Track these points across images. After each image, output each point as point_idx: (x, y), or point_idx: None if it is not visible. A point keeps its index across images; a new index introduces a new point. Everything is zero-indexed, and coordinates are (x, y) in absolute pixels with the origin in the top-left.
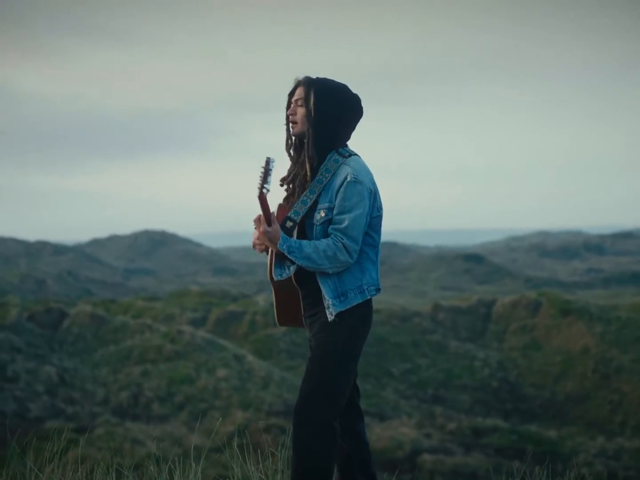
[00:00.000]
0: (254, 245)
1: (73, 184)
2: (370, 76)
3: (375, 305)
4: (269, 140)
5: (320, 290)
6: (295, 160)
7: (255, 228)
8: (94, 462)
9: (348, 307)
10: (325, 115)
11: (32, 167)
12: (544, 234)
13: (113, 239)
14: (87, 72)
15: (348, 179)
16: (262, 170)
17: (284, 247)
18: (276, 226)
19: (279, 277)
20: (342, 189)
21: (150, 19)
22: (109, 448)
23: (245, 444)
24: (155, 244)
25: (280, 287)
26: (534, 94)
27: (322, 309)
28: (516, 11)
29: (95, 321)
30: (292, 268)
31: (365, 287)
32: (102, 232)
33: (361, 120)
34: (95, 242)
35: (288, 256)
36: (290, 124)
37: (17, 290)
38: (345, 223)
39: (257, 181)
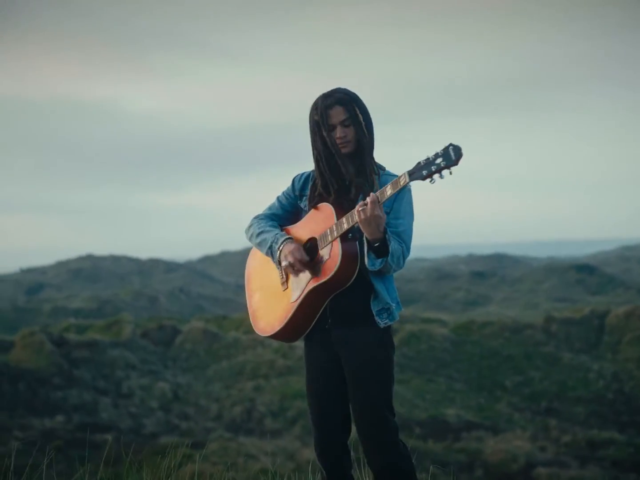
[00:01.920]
0: (293, 266)
1: (184, 200)
2: (472, 86)
3: (487, 318)
4: (389, 151)
5: (366, 296)
6: (334, 176)
7: (361, 210)
8: (211, 478)
9: (397, 315)
10: (371, 124)
11: (143, 185)
12: None
13: (224, 255)
14: (198, 89)
15: (408, 186)
16: (433, 157)
17: (387, 235)
18: (384, 213)
19: (372, 267)
20: (401, 194)
21: (260, 34)
22: (223, 463)
23: (358, 458)
24: None
25: (318, 292)
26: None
27: (368, 317)
28: (602, 18)
29: (208, 337)
30: (379, 262)
31: (399, 300)
32: (213, 249)
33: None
34: (207, 259)
35: (390, 246)
36: (341, 146)
37: (130, 308)
38: (402, 228)
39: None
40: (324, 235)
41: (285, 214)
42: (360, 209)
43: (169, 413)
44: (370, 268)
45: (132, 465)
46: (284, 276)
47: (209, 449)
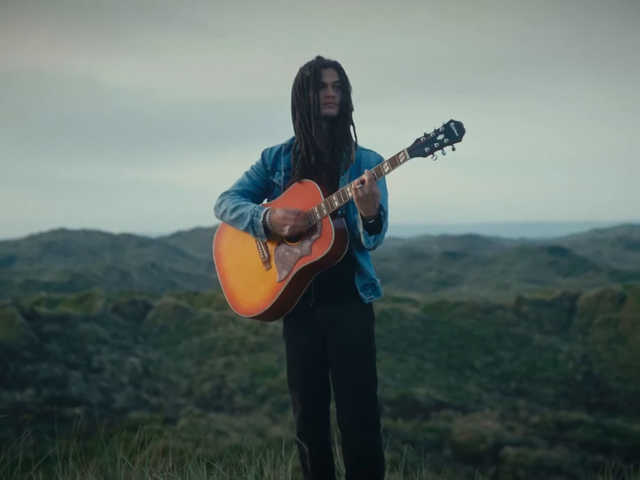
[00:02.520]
0: (294, 227)
1: (158, 176)
2: (453, 66)
3: (458, 298)
4: (365, 132)
5: (350, 273)
6: (322, 143)
7: (358, 187)
8: (182, 453)
9: (381, 290)
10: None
11: (117, 160)
12: (630, 227)
13: (197, 231)
14: (173, 64)
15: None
16: (431, 135)
17: (382, 211)
18: (379, 190)
19: (368, 245)
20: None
21: (239, 9)
22: (193, 439)
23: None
24: None
25: (307, 271)
26: (620, 84)
27: (353, 293)
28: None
29: (179, 313)
30: (373, 238)
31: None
32: (186, 225)
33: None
34: (179, 235)
35: (383, 223)
36: (327, 105)
37: (102, 282)
38: (381, 203)
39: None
40: (312, 213)
41: (256, 190)
42: (357, 186)
43: (139, 388)
44: (366, 246)
45: (105, 440)
46: (265, 254)
47: (179, 425)
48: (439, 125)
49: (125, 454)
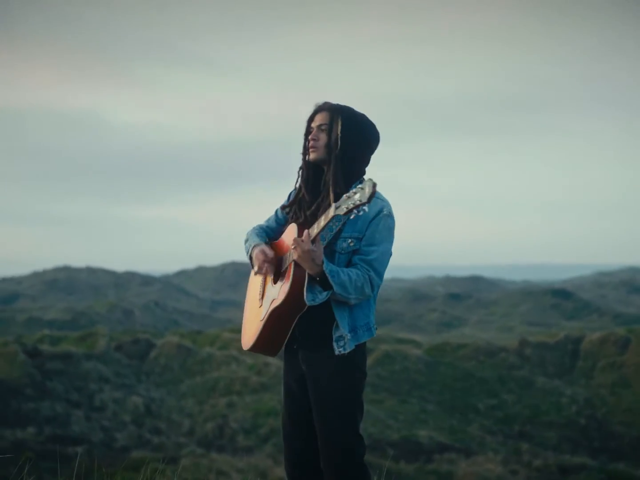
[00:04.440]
0: (260, 267)
1: (161, 213)
2: (458, 106)
3: (462, 340)
4: (374, 172)
5: (330, 322)
6: (308, 188)
7: (294, 248)
8: None
9: (358, 343)
10: (351, 144)
11: (122, 198)
12: (634, 270)
13: (200, 270)
14: (181, 102)
15: (384, 212)
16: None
17: (327, 269)
18: (320, 247)
19: (312, 302)
20: (375, 221)
21: (248, 48)
22: (194, 479)
23: None
24: (242, 275)
25: (278, 314)
26: (624, 125)
27: (329, 342)
28: (609, 39)
29: (182, 352)
30: (325, 295)
31: (371, 325)
32: (189, 264)
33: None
34: (183, 273)
35: (330, 280)
36: (310, 150)
37: (105, 321)
38: (374, 256)
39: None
40: (285, 257)
41: (279, 227)
42: (292, 246)
43: (142, 427)
44: (309, 303)
45: (104, 479)
46: (261, 291)
47: (181, 465)
48: (360, 183)
49: None
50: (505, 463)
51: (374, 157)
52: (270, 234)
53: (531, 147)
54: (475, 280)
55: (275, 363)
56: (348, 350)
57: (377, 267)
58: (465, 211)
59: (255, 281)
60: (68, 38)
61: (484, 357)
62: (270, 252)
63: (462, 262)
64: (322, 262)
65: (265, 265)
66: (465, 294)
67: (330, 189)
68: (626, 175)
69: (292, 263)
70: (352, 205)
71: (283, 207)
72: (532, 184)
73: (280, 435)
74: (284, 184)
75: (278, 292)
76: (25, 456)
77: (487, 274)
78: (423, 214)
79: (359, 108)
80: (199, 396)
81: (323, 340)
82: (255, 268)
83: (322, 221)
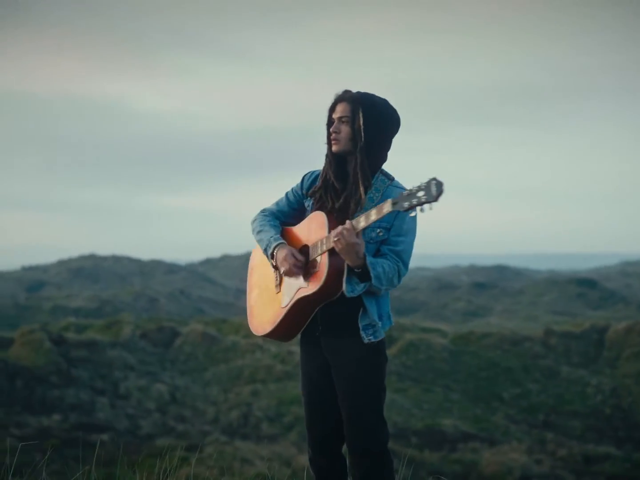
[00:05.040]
0: (289, 272)
1: (187, 202)
2: (485, 95)
3: (486, 329)
4: (397, 160)
5: (355, 309)
6: (338, 176)
7: (337, 239)
8: None
9: (385, 330)
10: (374, 134)
11: (148, 186)
12: None
13: (225, 259)
14: (206, 89)
15: None
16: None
17: (368, 261)
18: (362, 239)
19: (351, 294)
20: (401, 212)
21: (274, 36)
22: (218, 467)
23: None
24: None
25: (306, 302)
26: None
27: (355, 330)
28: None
29: (207, 340)
30: (362, 287)
31: (391, 314)
32: (214, 252)
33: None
34: (208, 262)
35: (371, 273)
36: (333, 142)
37: (130, 309)
38: (402, 246)
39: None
40: (316, 246)
41: (291, 211)
42: (335, 238)
43: (166, 415)
44: (348, 294)
45: (127, 466)
46: (278, 279)
47: (205, 452)
48: (423, 180)
49: None
50: (529, 452)
51: (399, 145)
52: (281, 218)
53: (556, 138)
54: (500, 270)
55: (299, 352)
56: (379, 338)
57: (405, 258)
58: (490, 200)
59: (263, 266)
60: (95, 27)
61: (508, 347)
62: (300, 257)
63: (487, 251)
64: (365, 255)
65: (295, 270)
66: (490, 283)
67: (360, 182)
68: None
69: (327, 253)
70: (415, 203)
71: (312, 192)
72: (558, 174)
73: (301, 424)
74: (306, 171)
75: (308, 281)
76: (51, 443)
77: (512, 263)
78: (448, 202)
79: (382, 95)
80: (224, 384)
81: (349, 327)
82: (283, 270)
83: (373, 215)
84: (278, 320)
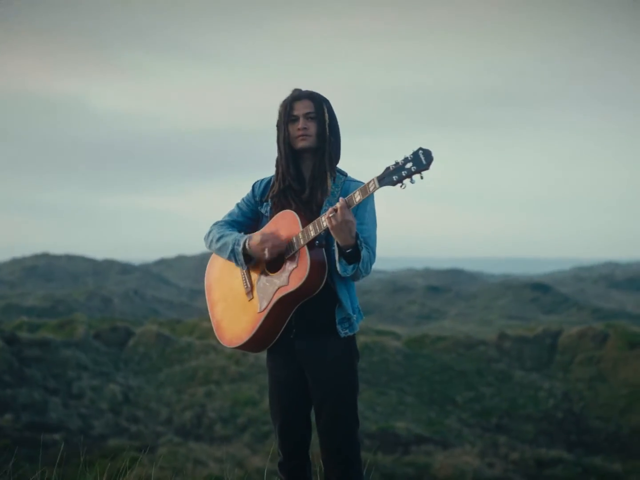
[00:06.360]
0: (271, 248)
1: (143, 202)
2: (439, 99)
3: (441, 333)
4: (352, 165)
5: (329, 305)
6: (295, 177)
7: (331, 216)
8: None
9: (357, 325)
10: (336, 131)
11: (103, 186)
12: (613, 265)
13: (180, 259)
14: (166, 91)
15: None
16: (401, 163)
17: (359, 240)
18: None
19: (345, 273)
20: (363, 201)
21: (232, 37)
22: (172, 468)
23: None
24: None
25: (286, 302)
26: (614, 121)
27: (331, 326)
28: (602, 34)
29: (161, 341)
30: (351, 268)
31: (360, 309)
32: (169, 252)
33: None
34: (163, 262)
35: (361, 251)
36: (300, 138)
37: (84, 308)
38: (367, 233)
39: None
40: (290, 243)
41: (245, 220)
42: (330, 215)
43: (119, 415)
44: (342, 274)
45: (84, 466)
46: (249, 285)
47: (158, 453)
48: (408, 152)
49: None
50: (482, 456)
51: (357, 148)
52: (236, 228)
53: (514, 143)
54: (455, 273)
55: (253, 354)
56: (355, 332)
57: (372, 244)
58: (446, 204)
59: (226, 276)
60: (53, 22)
61: (462, 350)
62: (275, 231)
63: (442, 254)
64: (357, 234)
65: (277, 244)
66: (445, 286)
67: (328, 174)
68: (607, 172)
69: (305, 247)
70: (405, 175)
71: (271, 197)
72: (513, 179)
73: (257, 426)
74: (264, 174)
75: (287, 278)
76: (3, 443)
77: (467, 266)
78: (404, 205)
79: (341, 100)
80: (177, 385)
81: (325, 325)
82: (266, 252)
83: (357, 196)
84: (257, 326)
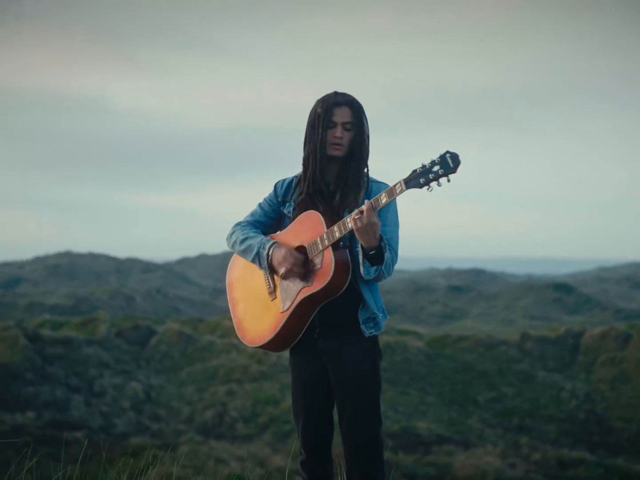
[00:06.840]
0: (289, 272)
1: (165, 200)
2: (462, 98)
3: (463, 332)
4: (379, 162)
5: (353, 305)
6: (325, 179)
7: (357, 218)
8: None
9: (382, 324)
10: (368, 140)
11: (126, 183)
12: (636, 266)
13: (202, 258)
14: (186, 88)
15: None
16: (429, 165)
17: (383, 243)
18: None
19: (367, 276)
20: (387, 204)
21: (253, 34)
22: (193, 466)
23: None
24: None
25: (310, 302)
26: (624, 123)
27: (355, 325)
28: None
29: (183, 339)
30: (374, 270)
31: (384, 309)
32: (191, 251)
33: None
34: (185, 261)
35: (385, 253)
36: (334, 147)
37: (106, 307)
38: (390, 235)
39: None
40: (314, 244)
41: (268, 220)
42: (356, 217)
43: (141, 414)
44: (365, 277)
45: (106, 464)
46: (271, 285)
47: (179, 452)
48: (435, 156)
49: (125, 479)
50: (503, 456)
51: (378, 147)
52: (259, 228)
53: (537, 142)
54: (477, 273)
55: (275, 352)
56: (380, 331)
57: (395, 247)
58: (468, 204)
59: (248, 275)
60: (74, 20)
61: (484, 350)
62: (300, 255)
63: (465, 254)
64: (381, 236)
65: (297, 269)
66: (467, 286)
67: (361, 182)
68: (630, 172)
69: (330, 248)
70: (432, 177)
71: (298, 198)
72: (536, 179)
73: (279, 425)
74: (286, 172)
75: (312, 279)
76: (25, 440)
77: (489, 267)
78: (426, 205)
79: (363, 97)
80: (199, 384)
81: (349, 324)
82: (282, 271)
83: (383, 197)
84: (279, 326)
